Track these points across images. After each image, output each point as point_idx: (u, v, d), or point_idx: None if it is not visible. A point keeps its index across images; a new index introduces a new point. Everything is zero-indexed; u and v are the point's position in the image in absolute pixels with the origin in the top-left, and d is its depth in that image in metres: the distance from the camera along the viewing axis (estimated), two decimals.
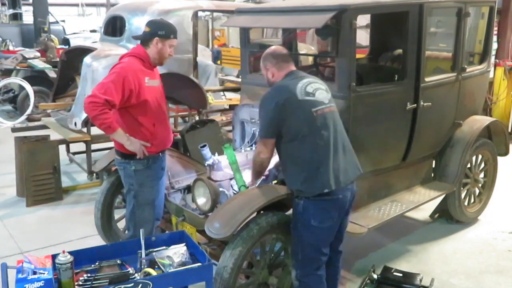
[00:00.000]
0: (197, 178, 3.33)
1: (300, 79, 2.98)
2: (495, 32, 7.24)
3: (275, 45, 3.38)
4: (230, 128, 4.61)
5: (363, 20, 4.93)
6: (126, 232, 3.96)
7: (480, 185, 4.93)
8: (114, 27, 6.28)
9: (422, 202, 4.18)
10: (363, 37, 5.70)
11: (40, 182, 5.44)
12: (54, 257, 2.52)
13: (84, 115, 5.37)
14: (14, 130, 6.30)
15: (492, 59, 7.28)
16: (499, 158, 5.00)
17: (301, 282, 2.97)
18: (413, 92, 3.86)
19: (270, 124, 2.90)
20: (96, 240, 4.11)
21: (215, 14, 12.63)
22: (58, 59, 8.23)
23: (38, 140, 5.55)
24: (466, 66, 4.36)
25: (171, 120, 8.00)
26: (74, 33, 14.91)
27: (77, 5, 25.39)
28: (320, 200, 2.83)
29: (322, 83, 3.06)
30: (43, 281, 2.32)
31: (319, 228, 2.86)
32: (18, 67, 9.76)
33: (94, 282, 2.48)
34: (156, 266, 2.62)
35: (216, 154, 3.54)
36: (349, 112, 3.48)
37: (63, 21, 17.00)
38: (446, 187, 4.45)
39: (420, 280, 3.68)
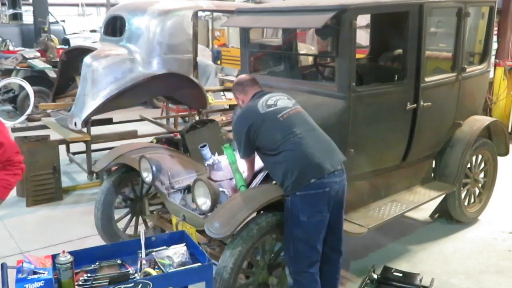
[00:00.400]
0: (197, 178, 3.32)
1: (261, 97, 3.20)
2: (495, 32, 7.24)
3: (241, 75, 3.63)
4: (230, 128, 4.60)
5: (363, 20, 4.93)
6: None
7: (480, 185, 4.93)
8: (114, 27, 6.28)
9: (422, 202, 4.18)
10: (363, 37, 5.70)
11: (40, 182, 5.44)
12: (54, 257, 2.52)
13: (84, 115, 5.37)
14: (14, 130, 6.31)
15: (492, 59, 7.28)
16: (499, 158, 5.00)
17: (294, 280, 2.99)
18: (413, 92, 3.86)
19: (245, 146, 3.12)
20: (96, 240, 4.11)
21: (215, 14, 12.62)
22: (58, 59, 8.24)
23: (38, 140, 5.54)
24: (466, 66, 4.36)
25: (171, 120, 8.04)
26: (74, 33, 14.90)
27: (77, 5, 25.36)
28: (307, 194, 2.87)
29: (283, 94, 3.26)
30: (43, 281, 2.32)
31: (308, 223, 2.89)
32: (18, 67, 9.75)
33: (94, 282, 2.48)
34: (156, 266, 2.62)
35: (216, 154, 3.54)
36: (349, 112, 3.48)
37: (63, 21, 16.99)
38: (446, 187, 4.45)
39: (420, 280, 3.68)
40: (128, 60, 5.58)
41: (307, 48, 8.10)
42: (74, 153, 6.34)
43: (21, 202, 5.49)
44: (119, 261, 2.72)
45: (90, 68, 5.47)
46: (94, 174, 5.67)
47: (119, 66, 5.51)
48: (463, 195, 4.71)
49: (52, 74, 9.22)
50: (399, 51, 4.66)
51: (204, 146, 3.43)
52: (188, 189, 3.72)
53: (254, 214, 3.01)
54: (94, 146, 5.80)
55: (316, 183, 2.86)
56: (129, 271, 2.58)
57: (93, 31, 15.60)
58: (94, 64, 5.46)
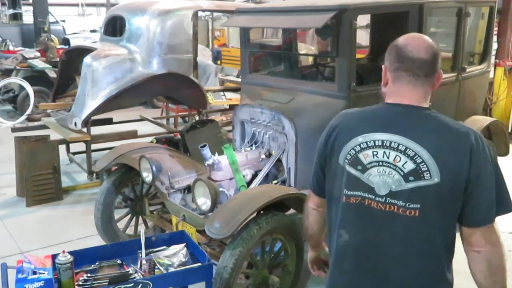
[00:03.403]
0: (197, 178, 3.33)
1: None
2: (495, 32, 7.24)
3: None
4: (230, 128, 4.61)
5: (363, 20, 4.93)
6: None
7: None
8: (114, 27, 6.28)
9: None
10: (363, 37, 5.70)
11: (40, 182, 5.44)
12: (54, 257, 2.52)
13: (84, 115, 5.38)
14: (14, 130, 6.30)
15: (492, 59, 7.28)
16: (499, 158, 4.99)
17: None
18: None
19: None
20: (96, 240, 4.11)
21: (215, 14, 12.62)
22: (58, 59, 8.24)
23: (38, 140, 5.55)
24: (466, 66, 4.36)
25: (171, 120, 8.04)
26: (74, 33, 14.90)
27: (77, 5, 25.38)
28: None
29: None
30: (43, 281, 2.32)
31: None
32: (18, 67, 9.76)
33: (94, 282, 2.48)
34: (156, 266, 2.62)
35: (216, 154, 3.55)
36: None
37: (63, 21, 16.99)
38: None
39: None
40: (128, 60, 5.58)
41: (307, 48, 8.10)
42: (74, 153, 6.34)
43: (21, 202, 5.48)
44: (119, 261, 2.72)
45: (90, 68, 5.47)
46: (94, 174, 5.67)
47: (119, 66, 5.51)
48: None
49: (52, 74, 9.22)
50: None
51: (204, 146, 3.43)
52: (188, 189, 3.72)
53: (255, 215, 3.01)
54: (94, 146, 5.80)
55: None
56: (129, 271, 2.58)
57: (93, 31, 15.59)
58: (94, 64, 5.47)
